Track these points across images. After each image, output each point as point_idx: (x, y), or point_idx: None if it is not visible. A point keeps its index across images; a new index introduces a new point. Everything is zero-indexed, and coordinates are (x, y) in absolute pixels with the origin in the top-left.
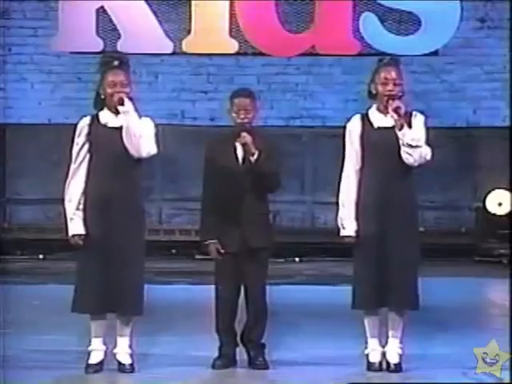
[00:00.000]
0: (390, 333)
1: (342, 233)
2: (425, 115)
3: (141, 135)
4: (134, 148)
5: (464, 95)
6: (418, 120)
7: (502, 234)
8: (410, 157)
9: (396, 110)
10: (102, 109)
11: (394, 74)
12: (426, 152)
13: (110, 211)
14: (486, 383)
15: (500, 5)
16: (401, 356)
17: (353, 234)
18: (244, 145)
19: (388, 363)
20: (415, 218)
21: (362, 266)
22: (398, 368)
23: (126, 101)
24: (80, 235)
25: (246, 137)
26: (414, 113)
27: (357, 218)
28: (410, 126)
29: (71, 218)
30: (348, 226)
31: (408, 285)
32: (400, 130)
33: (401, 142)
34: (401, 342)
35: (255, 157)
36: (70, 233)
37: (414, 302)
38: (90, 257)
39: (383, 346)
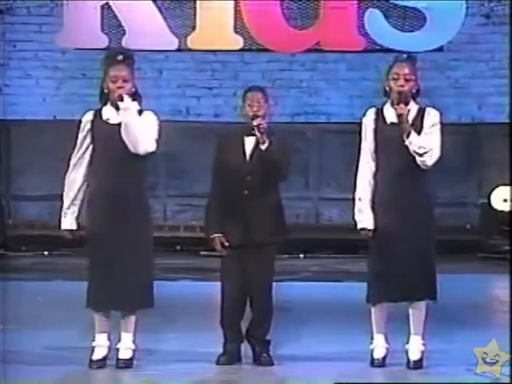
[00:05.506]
0: (412, 329)
1: (359, 226)
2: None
3: (139, 133)
4: (131, 144)
5: (469, 91)
6: (431, 118)
7: (506, 231)
8: (422, 163)
9: (399, 117)
10: (105, 103)
11: (405, 70)
12: (437, 154)
13: (111, 207)
14: (487, 382)
15: (505, 1)
16: (423, 352)
17: (369, 226)
18: (258, 127)
19: (408, 360)
20: (430, 211)
21: (377, 259)
22: (417, 365)
23: (126, 97)
24: (71, 230)
25: (262, 123)
26: (427, 110)
27: (374, 213)
28: (421, 126)
29: (65, 213)
30: (364, 219)
31: (424, 276)
32: (407, 137)
33: (410, 149)
34: (423, 339)
35: (266, 145)
36: (62, 227)
37: (430, 292)
38: (94, 254)
39: (388, 343)
